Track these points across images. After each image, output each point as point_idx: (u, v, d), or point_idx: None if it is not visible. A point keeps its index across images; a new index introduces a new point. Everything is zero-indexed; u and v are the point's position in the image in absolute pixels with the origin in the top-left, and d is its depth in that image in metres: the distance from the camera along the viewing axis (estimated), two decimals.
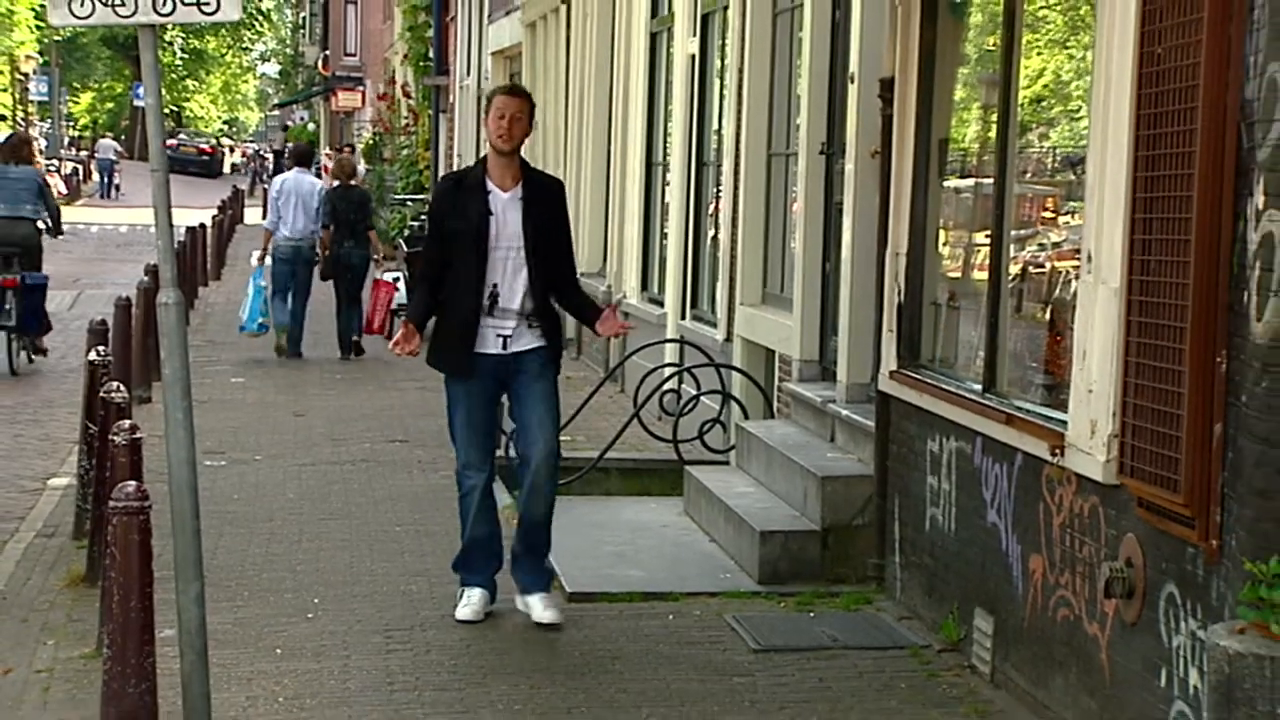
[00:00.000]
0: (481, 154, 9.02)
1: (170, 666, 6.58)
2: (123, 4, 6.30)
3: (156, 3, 6.29)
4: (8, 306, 17.87)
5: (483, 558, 8.51)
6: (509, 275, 8.20)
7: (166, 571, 6.71)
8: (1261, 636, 4.83)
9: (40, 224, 18.81)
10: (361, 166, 28.03)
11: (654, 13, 16.42)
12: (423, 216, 26.98)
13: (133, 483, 6.41)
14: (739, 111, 12.76)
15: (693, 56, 14.85)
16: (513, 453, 9.68)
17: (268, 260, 20.53)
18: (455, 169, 9.86)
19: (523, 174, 8.44)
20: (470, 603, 8.33)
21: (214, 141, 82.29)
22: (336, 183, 21.33)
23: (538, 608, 8.27)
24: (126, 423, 7.26)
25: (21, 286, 17.77)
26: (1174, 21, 5.88)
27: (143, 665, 6.12)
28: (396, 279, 20.90)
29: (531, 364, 8.31)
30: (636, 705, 7.21)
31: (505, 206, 8.23)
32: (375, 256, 21.40)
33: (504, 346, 8.25)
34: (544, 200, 8.42)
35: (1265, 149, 5.33)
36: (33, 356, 18.72)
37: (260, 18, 73.10)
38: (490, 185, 8.27)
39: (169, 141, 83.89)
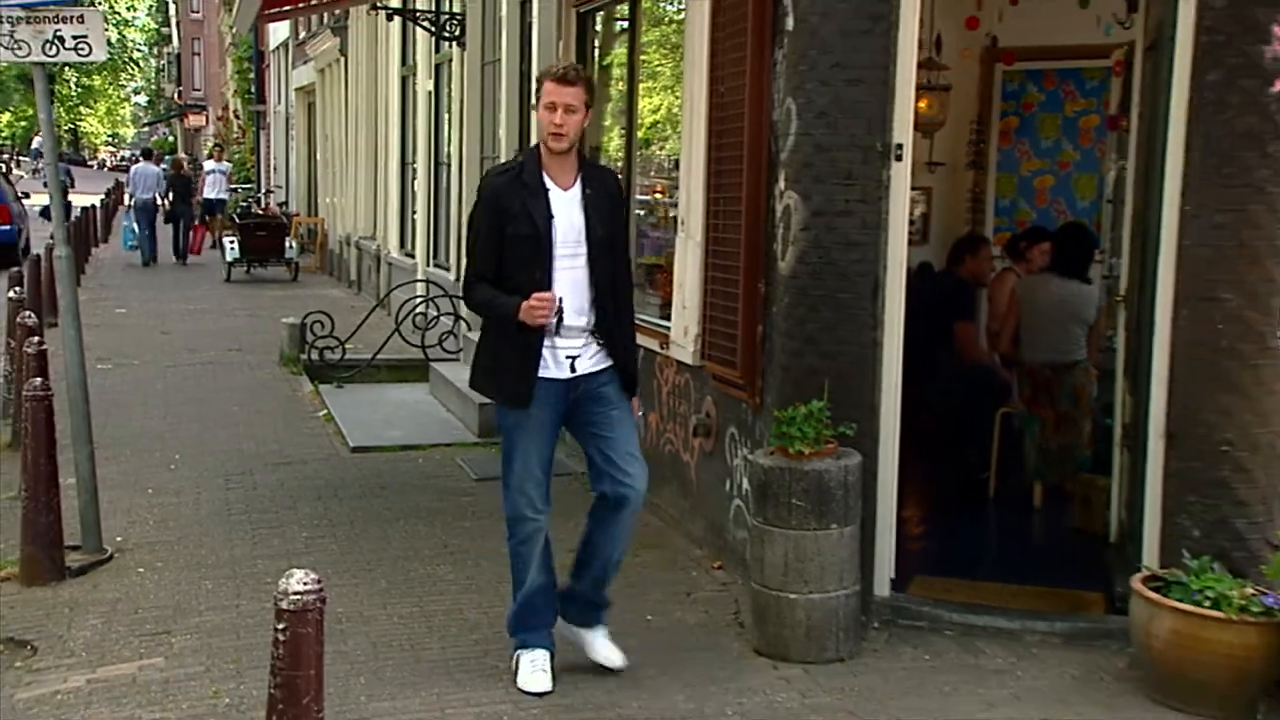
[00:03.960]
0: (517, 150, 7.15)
1: (71, 504, 6.38)
2: (20, 48, 6.07)
3: (45, 47, 6.07)
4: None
5: (544, 612, 4.96)
6: (575, 286, 4.74)
7: (68, 440, 6.51)
8: (783, 456, 5.05)
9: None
10: (209, 163, 27.36)
11: (403, 62, 16.13)
12: (252, 198, 26.27)
13: (39, 379, 6.25)
14: (461, 128, 12.65)
15: (430, 92, 14.64)
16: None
17: (130, 213, 23.66)
18: (495, 165, 5.17)
19: (579, 168, 4.85)
20: (540, 666, 4.84)
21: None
22: (173, 171, 24.23)
23: (604, 646, 4.98)
24: (35, 339, 6.99)
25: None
26: (730, 71, 6.01)
27: (51, 503, 6.05)
28: (232, 243, 20.56)
29: (606, 388, 4.84)
30: (396, 517, 7.19)
31: (567, 207, 4.75)
32: (194, 213, 24.39)
33: (572, 369, 4.78)
34: (604, 197, 4.85)
35: (785, 151, 5.49)
36: None
37: (132, 64, 69.88)
38: (549, 183, 4.74)
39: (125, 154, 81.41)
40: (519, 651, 4.92)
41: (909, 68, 5.31)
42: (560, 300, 4.68)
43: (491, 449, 8.85)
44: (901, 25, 5.26)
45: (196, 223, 24.60)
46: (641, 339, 7.21)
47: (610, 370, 4.86)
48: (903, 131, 5.31)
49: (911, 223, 7.78)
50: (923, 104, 7.99)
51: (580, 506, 7.39)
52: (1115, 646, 5.09)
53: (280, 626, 3.33)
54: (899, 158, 5.31)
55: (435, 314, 12.22)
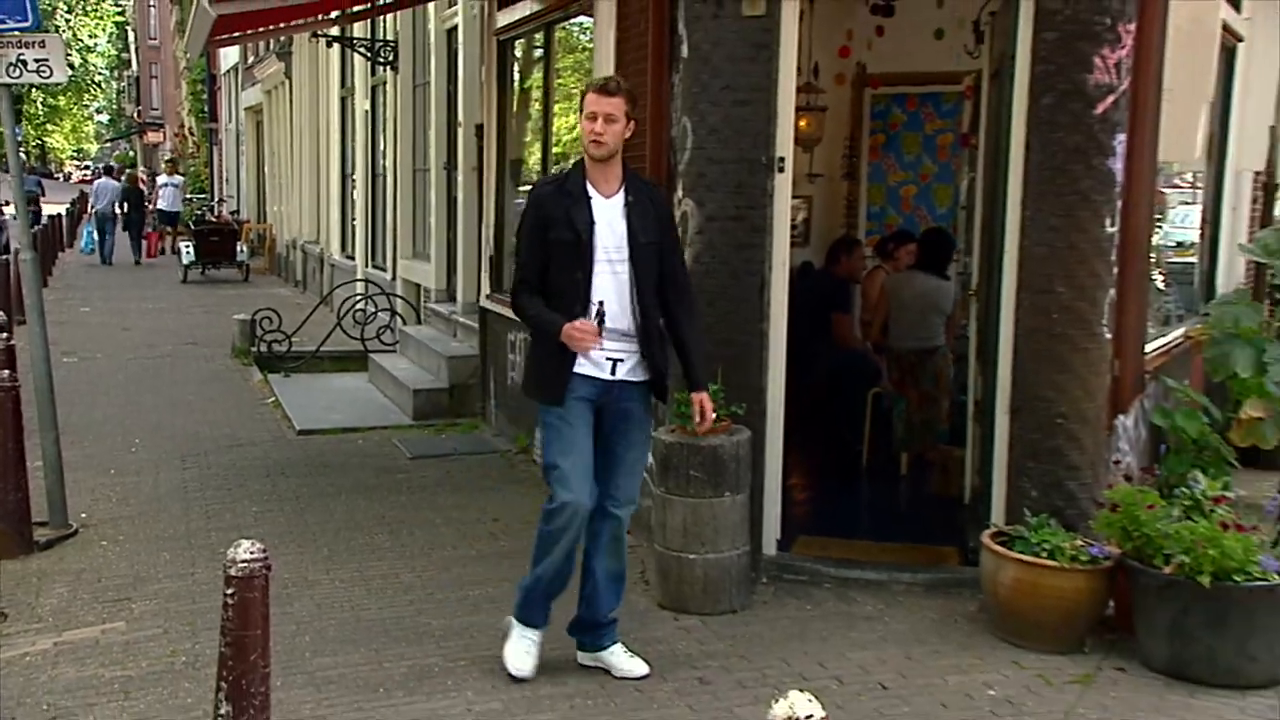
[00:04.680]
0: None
1: (39, 485, 6.26)
2: None
3: (9, 70, 5.91)
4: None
5: (553, 597, 4.52)
6: (617, 290, 4.29)
7: (36, 427, 6.33)
8: (682, 434, 5.05)
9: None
10: (162, 177, 26.79)
11: (342, 84, 15.90)
12: (206, 207, 25.77)
13: (7, 371, 6.10)
14: (395, 144, 12.54)
15: (367, 111, 14.49)
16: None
17: (92, 220, 23.71)
18: (542, 176, 4.66)
19: (623, 178, 4.39)
20: (528, 649, 4.48)
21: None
22: (128, 184, 24.33)
23: (624, 660, 4.52)
24: (3, 335, 6.79)
25: None
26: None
27: (19, 484, 5.94)
28: (188, 247, 20.20)
29: (633, 404, 4.39)
30: (338, 492, 7.13)
31: (609, 213, 4.31)
32: (149, 220, 25.08)
33: (612, 371, 4.32)
34: (648, 206, 4.38)
35: (682, 164, 5.53)
36: None
37: (95, 86, 67.90)
38: (592, 191, 4.33)
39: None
40: (516, 624, 4.51)
41: (789, 90, 5.37)
42: (601, 304, 4.25)
43: (425, 431, 8.83)
44: (782, 54, 5.32)
45: (149, 230, 25.14)
46: None
47: (644, 386, 4.38)
48: (784, 146, 5.37)
49: (794, 227, 7.87)
50: (803, 123, 8.08)
51: (507, 480, 7.43)
52: (968, 593, 5.20)
53: (229, 591, 3.31)
54: (781, 169, 5.36)
55: (373, 310, 12.14)
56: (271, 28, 10.42)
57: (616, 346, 4.31)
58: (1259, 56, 7.77)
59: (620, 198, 4.35)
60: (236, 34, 9.98)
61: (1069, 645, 4.70)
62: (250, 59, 23.84)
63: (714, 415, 4.59)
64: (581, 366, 4.29)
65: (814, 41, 8.04)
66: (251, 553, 3.32)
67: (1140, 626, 4.61)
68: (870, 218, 9.03)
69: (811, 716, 2.29)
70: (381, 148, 13.83)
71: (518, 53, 8.79)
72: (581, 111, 4.35)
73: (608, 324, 4.27)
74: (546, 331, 4.31)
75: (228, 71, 28.22)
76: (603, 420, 4.39)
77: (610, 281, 4.29)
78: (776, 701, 2.30)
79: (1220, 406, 6.28)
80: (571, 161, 8.01)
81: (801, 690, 2.33)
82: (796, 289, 5.59)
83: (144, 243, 23.98)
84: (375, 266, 14.17)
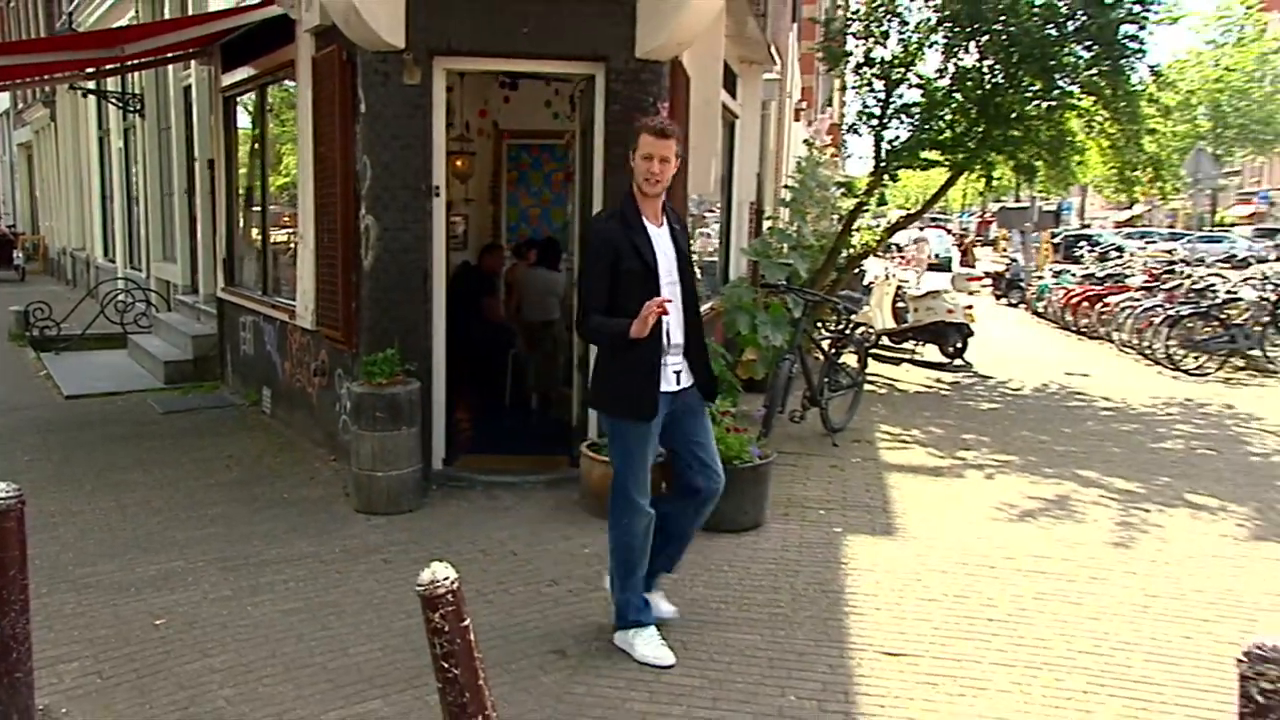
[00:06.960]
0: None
1: None
2: None
3: None
4: None
5: (642, 592, 3.61)
6: (675, 309, 3.41)
7: None
8: (369, 385, 4.86)
9: None
10: None
11: (100, 127, 13.88)
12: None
13: None
14: (145, 173, 11.09)
15: (120, 149, 12.72)
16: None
17: None
18: (598, 213, 3.71)
19: (663, 208, 3.48)
20: (657, 641, 3.51)
21: None
22: None
23: (662, 602, 3.73)
24: None
25: None
26: (327, 138, 5.65)
27: None
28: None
29: (695, 401, 3.52)
30: (100, 442, 6.27)
31: (663, 241, 3.42)
32: None
33: (678, 381, 3.45)
34: (682, 232, 3.52)
35: (365, 190, 5.24)
36: None
37: None
38: (646, 223, 3.39)
39: None
40: (635, 631, 3.52)
41: (441, 139, 5.21)
42: (668, 323, 3.38)
43: (175, 392, 7.94)
44: (434, 112, 5.15)
45: None
46: (278, 314, 6.76)
47: (694, 385, 3.51)
48: (439, 178, 5.21)
49: (456, 236, 7.71)
50: (459, 163, 7.90)
51: (241, 427, 6.80)
52: (573, 487, 5.30)
53: None
54: (437, 195, 5.21)
55: (132, 301, 10.79)
56: (30, 80, 8.90)
57: (676, 359, 3.45)
58: (748, 129, 8.43)
59: (666, 226, 3.47)
60: (4, 81, 8.45)
61: None
62: (20, 105, 20.34)
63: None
64: (664, 385, 3.41)
65: (464, 105, 7.87)
66: (6, 492, 2.85)
67: None
68: (509, 230, 8.97)
69: (447, 578, 2.24)
70: (134, 176, 12.23)
71: (244, 106, 8.00)
72: (635, 150, 3.36)
73: (673, 340, 3.42)
74: (623, 335, 3.27)
75: (2, 114, 24.02)
76: (678, 422, 3.49)
77: (671, 303, 3.39)
78: (423, 571, 2.23)
79: (732, 353, 6.79)
80: (289, 190, 7.51)
81: (442, 561, 2.27)
82: (459, 281, 5.47)
83: None
84: (133, 267, 12.55)
